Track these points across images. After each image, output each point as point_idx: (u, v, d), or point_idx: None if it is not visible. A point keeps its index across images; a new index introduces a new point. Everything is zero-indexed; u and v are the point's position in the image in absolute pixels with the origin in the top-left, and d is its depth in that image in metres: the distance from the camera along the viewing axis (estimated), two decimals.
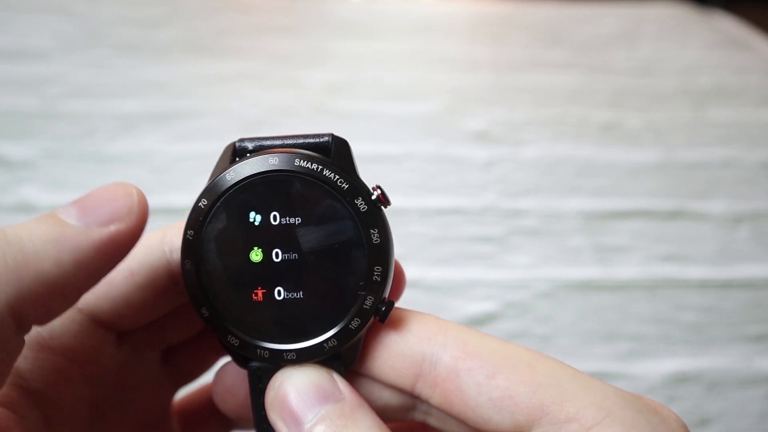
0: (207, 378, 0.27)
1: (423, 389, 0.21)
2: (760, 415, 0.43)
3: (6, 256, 0.17)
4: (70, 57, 0.84)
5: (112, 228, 0.18)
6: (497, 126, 0.75)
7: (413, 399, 0.22)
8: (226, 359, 0.25)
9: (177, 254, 0.22)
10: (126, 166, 0.63)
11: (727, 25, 1.12)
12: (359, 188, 0.21)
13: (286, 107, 0.76)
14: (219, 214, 0.21)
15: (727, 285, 0.53)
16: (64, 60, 0.83)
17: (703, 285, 0.53)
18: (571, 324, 0.49)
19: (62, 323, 0.21)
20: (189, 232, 0.21)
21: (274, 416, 0.21)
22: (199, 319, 0.22)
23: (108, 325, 0.22)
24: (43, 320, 0.18)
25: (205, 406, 0.27)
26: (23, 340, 0.18)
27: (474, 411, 0.20)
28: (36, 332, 0.21)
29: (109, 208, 0.18)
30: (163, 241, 0.23)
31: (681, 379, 0.45)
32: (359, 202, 0.21)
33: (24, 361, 0.20)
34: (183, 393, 0.28)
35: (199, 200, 0.21)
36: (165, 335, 0.25)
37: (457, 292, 0.51)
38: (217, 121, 0.71)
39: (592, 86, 0.86)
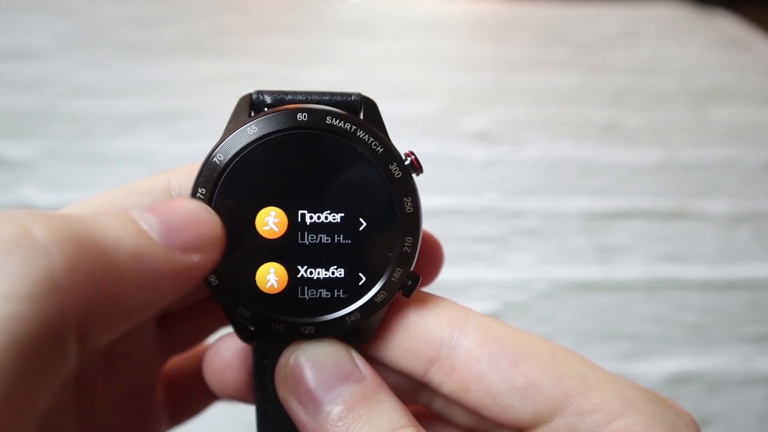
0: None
1: (436, 375, 0.20)
2: (761, 415, 0.43)
3: (93, 264, 0.14)
4: (70, 57, 0.84)
5: (195, 259, 0.16)
6: (497, 126, 0.75)
7: (421, 383, 0.21)
8: (224, 332, 0.23)
9: None
10: (126, 166, 0.63)
11: (727, 25, 1.12)
12: (394, 153, 0.19)
13: None
14: (236, 172, 0.19)
15: (727, 285, 0.53)
16: (64, 60, 0.83)
17: (704, 285, 0.53)
18: (571, 324, 0.48)
19: None
20: (200, 191, 0.19)
21: (287, 395, 0.19)
22: (201, 287, 0.19)
23: None
24: (101, 340, 0.15)
25: (192, 373, 0.25)
26: (76, 359, 0.15)
27: (494, 399, 0.19)
28: None
29: (194, 233, 0.16)
30: (168, 186, 0.20)
31: (681, 380, 0.45)
32: (394, 168, 0.19)
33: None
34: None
35: (212, 155, 0.19)
36: None
37: (457, 292, 0.51)
38: (217, 121, 0.71)
39: (592, 86, 0.86)
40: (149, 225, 0.16)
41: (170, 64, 0.84)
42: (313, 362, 0.19)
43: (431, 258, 0.22)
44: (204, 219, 0.17)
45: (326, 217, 0.19)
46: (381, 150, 0.19)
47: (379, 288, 0.19)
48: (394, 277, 0.20)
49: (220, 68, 0.83)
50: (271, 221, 0.19)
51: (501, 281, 0.52)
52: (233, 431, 0.38)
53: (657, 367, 0.45)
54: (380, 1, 1.17)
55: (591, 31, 1.07)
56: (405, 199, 0.19)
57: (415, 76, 0.86)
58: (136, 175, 0.64)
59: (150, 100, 0.75)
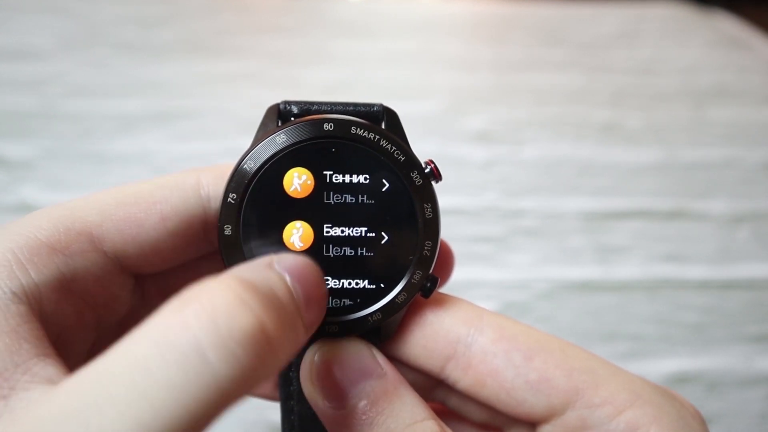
0: None
1: (453, 371, 0.21)
2: (761, 415, 0.43)
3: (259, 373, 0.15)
4: (70, 57, 0.84)
5: (313, 320, 0.17)
6: (497, 126, 0.75)
7: (436, 380, 0.22)
8: None
9: (215, 203, 0.21)
10: (126, 166, 0.63)
11: (727, 25, 1.12)
12: (415, 161, 0.21)
13: None
14: (266, 178, 0.20)
15: (727, 285, 0.53)
16: (64, 60, 0.83)
17: (704, 285, 0.53)
18: (571, 324, 0.48)
19: (86, 266, 0.19)
20: (231, 196, 0.19)
21: (312, 390, 0.20)
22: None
23: (131, 270, 0.21)
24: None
25: None
26: None
27: (509, 393, 0.20)
28: (60, 273, 0.19)
29: (319, 307, 0.17)
30: (198, 185, 0.21)
31: (681, 380, 0.45)
32: (415, 175, 0.20)
33: (48, 304, 0.18)
34: None
35: (242, 161, 0.20)
36: (177, 283, 0.23)
37: (457, 292, 0.50)
38: (217, 121, 0.71)
39: (592, 86, 0.86)
40: (300, 308, 0.17)
41: (170, 64, 0.84)
42: (337, 359, 0.20)
43: (444, 261, 0.24)
44: (319, 285, 0.18)
45: (351, 228, 0.20)
46: (403, 158, 0.20)
47: (400, 289, 0.20)
48: (414, 279, 0.20)
49: (220, 68, 0.83)
50: (297, 234, 0.20)
51: (501, 281, 0.52)
52: (233, 431, 0.38)
53: (657, 367, 0.45)
54: (380, 1, 1.17)
55: (591, 31, 1.07)
56: (425, 205, 0.21)
57: (415, 76, 0.86)
58: (136, 175, 0.64)
59: (150, 100, 0.75)
